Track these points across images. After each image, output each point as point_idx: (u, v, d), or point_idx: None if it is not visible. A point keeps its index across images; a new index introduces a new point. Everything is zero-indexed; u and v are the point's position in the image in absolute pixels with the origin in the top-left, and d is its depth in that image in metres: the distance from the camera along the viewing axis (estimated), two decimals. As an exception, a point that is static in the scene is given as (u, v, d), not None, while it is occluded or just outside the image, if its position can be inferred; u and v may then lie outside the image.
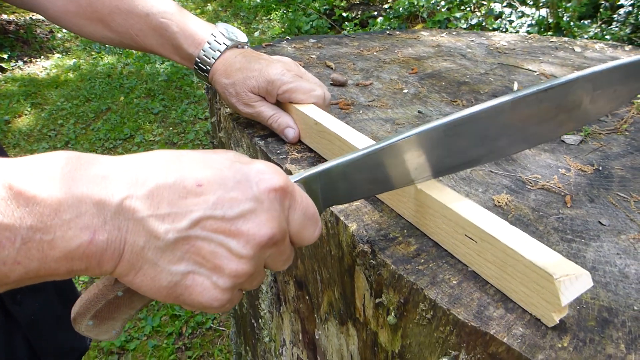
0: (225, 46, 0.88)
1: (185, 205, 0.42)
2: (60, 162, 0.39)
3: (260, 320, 1.17)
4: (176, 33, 0.88)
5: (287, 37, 1.54)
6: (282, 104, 0.90)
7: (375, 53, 1.45)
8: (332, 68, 1.28)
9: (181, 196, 0.42)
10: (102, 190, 0.39)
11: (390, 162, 0.58)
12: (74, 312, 0.50)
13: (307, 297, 0.87)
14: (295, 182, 0.54)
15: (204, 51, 0.88)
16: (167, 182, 0.42)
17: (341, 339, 0.79)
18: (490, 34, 1.75)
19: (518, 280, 0.51)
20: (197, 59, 0.89)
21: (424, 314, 0.55)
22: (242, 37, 0.92)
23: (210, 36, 0.88)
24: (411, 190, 0.62)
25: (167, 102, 4.88)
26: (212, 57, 0.88)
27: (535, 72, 1.29)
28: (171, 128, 4.41)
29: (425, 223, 0.63)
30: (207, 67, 0.89)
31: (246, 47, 0.93)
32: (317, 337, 0.88)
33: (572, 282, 0.47)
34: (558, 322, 0.49)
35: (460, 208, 0.57)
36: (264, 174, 0.47)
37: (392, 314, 0.61)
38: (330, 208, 0.69)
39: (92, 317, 0.50)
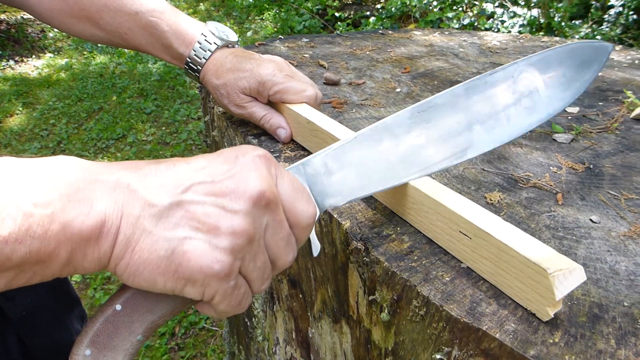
0: (216, 46, 0.88)
1: (177, 175, 0.44)
2: (58, 158, 0.42)
3: (253, 319, 1.17)
4: (166, 32, 0.88)
5: (280, 36, 1.54)
6: (274, 103, 0.90)
7: (368, 52, 1.45)
8: (325, 67, 1.29)
9: (172, 170, 0.45)
10: (99, 174, 0.42)
11: (367, 152, 0.60)
12: (74, 343, 0.48)
13: (300, 296, 0.87)
14: None
15: (195, 51, 0.88)
16: (159, 164, 0.45)
17: (334, 336, 0.79)
18: (482, 33, 1.76)
19: (513, 276, 0.52)
20: (187, 58, 0.89)
21: (417, 310, 0.56)
22: (233, 36, 0.92)
23: (200, 35, 0.88)
24: (405, 187, 0.63)
25: (159, 101, 4.87)
26: (203, 57, 0.88)
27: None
28: (164, 128, 4.40)
29: (419, 220, 0.63)
30: (198, 67, 0.89)
31: (237, 46, 0.92)
32: (310, 336, 0.88)
33: (565, 276, 0.47)
34: (552, 316, 0.49)
35: (454, 204, 0.57)
36: (247, 148, 0.49)
37: (386, 311, 0.61)
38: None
39: (90, 343, 0.47)
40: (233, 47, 0.91)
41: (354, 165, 0.59)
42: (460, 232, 0.56)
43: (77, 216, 0.39)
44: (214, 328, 2.40)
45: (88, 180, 0.41)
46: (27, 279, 0.40)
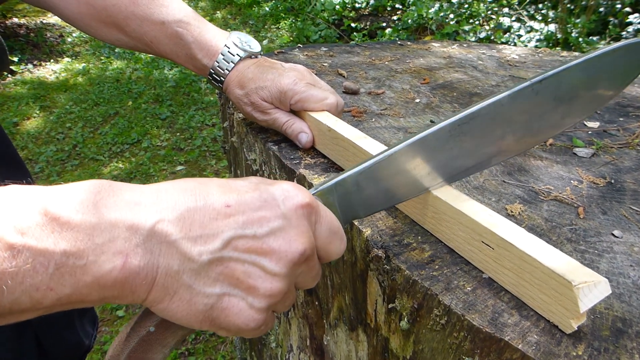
0: (239, 57, 0.88)
1: (216, 226, 0.43)
2: (92, 189, 0.40)
3: (267, 326, 1.17)
4: (190, 43, 0.88)
5: (298, 44, 1.55)
6: (296, 112, 0.90)
7: (386, 63, 1.46)
8: (344, 76, 1.29)
9: (211, 218, 0.43)
10: (135, 215, 0.40)
11: (401, 168, 0.59)
12: (107, 356, 0.50)
13: (316, 303, 0.87)
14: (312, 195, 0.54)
15: (218, 62, 0.88)
16: (197, 205, 0.43)
17: (350, 344, 0.79)
18: (501, 46, 1.76)
19: (536, 287, 0.51)
20: (211, 70, 0.90)
21: (437, 319, 0.56)
22: (256, 47, 0.92)
23: (224, 47, 0.88)
24: (426, 197, 0.63)
25: (174, 107, 4.90)
26: (226, 69, 0.89)
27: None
28: (178, 134, 4.43)
29: (440, 229, 0.63)
30: (222, 78, 0.90)
31: (260, 56, 0.93)
32: (325, 343, 0.88)
33: (590, 289, 0.47)
34: (576, 328, 0.49)
35: (477, 214, 0.57)
36: (289, 192, 0.48)
37: (405, 319, 0.61)
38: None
39: (126, 358, 0.49)
40: (256, 57, 0.92)
41: (385, 182, 0.59)
42: (483, 242, 0.56)
43: (111, 270, 0.38)
44: (224, 334, 2.40)
45: (124, 226, 0.39)
46: (57, 311, 0.40)
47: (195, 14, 0.91)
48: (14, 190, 0.38)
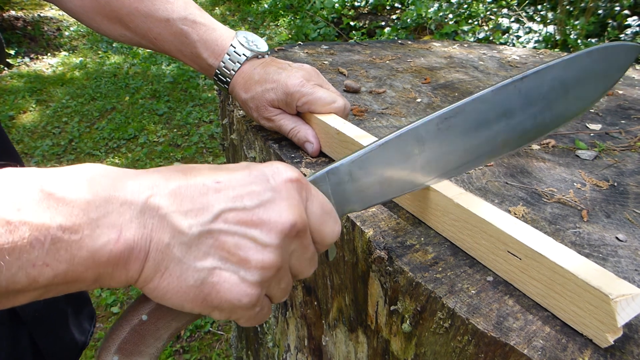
0: (245, 57, 0.87)
1: (207, 200, 0.43)
2: (87, 170, 0.41)
3: (264, 325, 1.16)
4: (196, 42, 0.86)
5: (298, 42, 1.54)
6: (303, 113, 0.89)
7: (387, 62, 1.45)
8: (345, 75, 1.28)
9: (202, 192, 0.43)
10: (128, 191, 0.40)
11: (393, 158, 0.59)
12: (99, 349, 0.49)
13: (315, 303, 0.87)
14: None
15: (224, 62, 0.87)
16: (188, 182, 0.43)
17: (350, 345, 0.78)
18: (501, 47, 1.76)
19: (568, 299, 0.50)
20: (217, 70, 0.88)
21: (441, 322, 0.55)
22: (263, 46, 0.90)
23: (229, 47, 0.87)
24: (448, 204, 0.61)
25: (172, 103, 4.89)
26: (232, 69, 0.87)
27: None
28: (175, 130, 4.41)
29: (461, 238, 0.62)
30: (227, 79, 0.88)
31: (267, 56, 0.91)
32: (323, 344, 0.88)
33: (628, 302, 0.45)
34: (612, 343, 0.47)
35: (502, 223, 0.55)
36: (279, 168, 0.48)
37: (407, 322, 0.60)
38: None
39: (117, 350, 0.48)
40: (263, 57, 0.90)
41: (377, 172, 0.59)
42: (509, 252, 0.55)
43: (105, 244, 0.38)
44: (219, 332, 2.39)
45: (117, 202, 0.39)
46: (52, 295, 0.40)
47: (201, 11, 0.89)
48: (10, 171, 0.38)
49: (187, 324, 0.52)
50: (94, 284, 0.40)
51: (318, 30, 5.88)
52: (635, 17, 3.93)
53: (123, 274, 0.40)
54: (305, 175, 0.55)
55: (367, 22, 5.81)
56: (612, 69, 0.63)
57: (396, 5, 5.71)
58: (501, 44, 4.27)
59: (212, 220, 0.43)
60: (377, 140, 0.59)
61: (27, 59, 5.93)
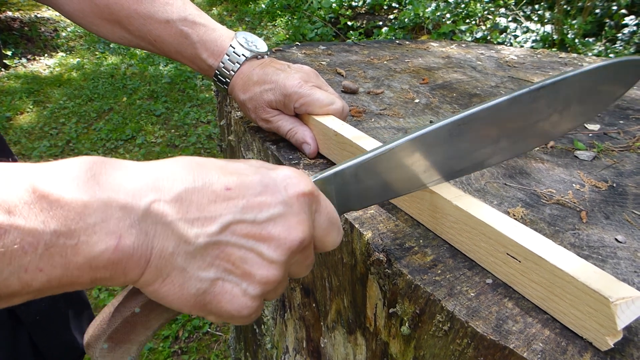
0: (245, 57, 0.86)
1: (215, 209, 0.41)
2: (84, 165, 0.38)
3: (262, 326, 1.16)
4: (195, 42, 0.86)
5: (296, 42, 1.54)
6: (300, 115, 0.88)
7: (385, 62, 1.45)
8: (342, 75, 1.28)
9: (210, 200, 0.41)
10: (129, 194, 0.38)
11: (400, 163, 0.59)
12: (87, 335, 0.48)
13: (314, 305, 0.86)
14: None
15: (223, 63, 0.86)
16: (196, 186, 0.41)
17: (348, 348, 0.78)
18: (499, 47, 1.75)
19: (567, 302, 0.50)
20: (216, 70, 0.88)
21: (440, 325, 0.55)
22: (262, 47, 0.90)
23: (229, 47, 0.86)
24: (447, 206, 0.61)
25: (169, 104, 4.88)
26: (232, 70, 0.87)
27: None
28: (173, 130, 4.41)
29: (460, 240, 0.61)
30: (227, 79, 0.88)
31: (266, 56, 0.91)
32: (322, 346, 0.87)
33: (628, 305, 0.45)
34: (612, 346, 0.47)
35: (501, 226, 0.55)
36: (292, 179, 0.46)
37: (406, 324, 0.60)
38: (345, 216, 0.69)
39: (107, 339, 0.48)
40: (262, 57, 0.90)
41: (383, 175, 0.59)
42: (508, 254, 0.54)
43: (103, 251, 0.36)
44: (217, 333, 2.39)
45: (117, 205, 0.37)
46: (47, 295, 0.38)
47: (200, 12, 0.89)
48: (1, 167, 0.36)
49: (179, 314, 0.52)
50: (90, 285, 0.39)
51: (315, 31, 5.88)
52: (632, 17, 3.94)
53: (121, 278, 0.39)
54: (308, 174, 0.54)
55: (364, 22, 5.81)
56: (622, 83, 0.63)
57: (393, 5, 5.70)
58: (499, 43, 4.26)
59: (220, 232, 0.41)
60: (385, 144, 0.58)
61: (24, 60, 5.92)
